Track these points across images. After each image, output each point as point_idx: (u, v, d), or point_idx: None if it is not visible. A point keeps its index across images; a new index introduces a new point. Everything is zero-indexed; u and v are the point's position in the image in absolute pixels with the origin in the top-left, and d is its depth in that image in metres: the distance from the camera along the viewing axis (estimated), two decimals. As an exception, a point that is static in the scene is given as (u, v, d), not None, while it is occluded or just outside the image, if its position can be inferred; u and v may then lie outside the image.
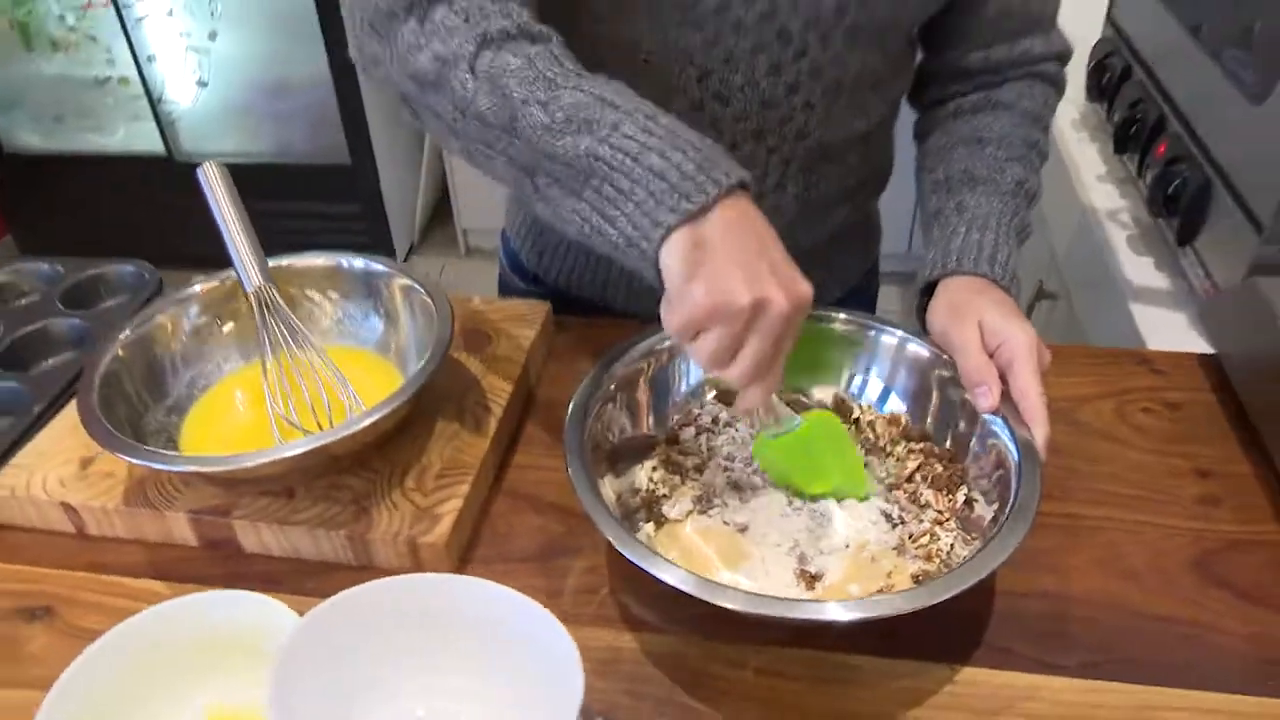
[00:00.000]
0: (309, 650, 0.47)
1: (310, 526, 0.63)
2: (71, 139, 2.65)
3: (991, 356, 0.64)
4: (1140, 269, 1.00)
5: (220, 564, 0.65)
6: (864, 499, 0.63)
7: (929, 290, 0.71)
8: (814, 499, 0.63)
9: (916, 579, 0.58)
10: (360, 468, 0.67)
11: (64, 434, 0.72)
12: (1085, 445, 0.72)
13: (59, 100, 2.61)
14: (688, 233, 0.52)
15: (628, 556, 0.52)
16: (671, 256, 0.52)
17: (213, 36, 2.43)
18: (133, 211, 2.67)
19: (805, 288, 0.53)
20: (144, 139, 2.59)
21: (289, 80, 2.49)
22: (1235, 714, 0.54)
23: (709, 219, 0.52)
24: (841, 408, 0.70)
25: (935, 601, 0.50)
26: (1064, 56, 0.81)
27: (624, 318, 0.85)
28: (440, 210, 2.87)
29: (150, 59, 2.45)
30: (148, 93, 2.49)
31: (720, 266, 0.51)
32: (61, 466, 0.69)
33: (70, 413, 0.74)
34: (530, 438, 0.74)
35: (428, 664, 0.50)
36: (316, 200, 2.61)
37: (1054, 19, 0.79)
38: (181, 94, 2.52)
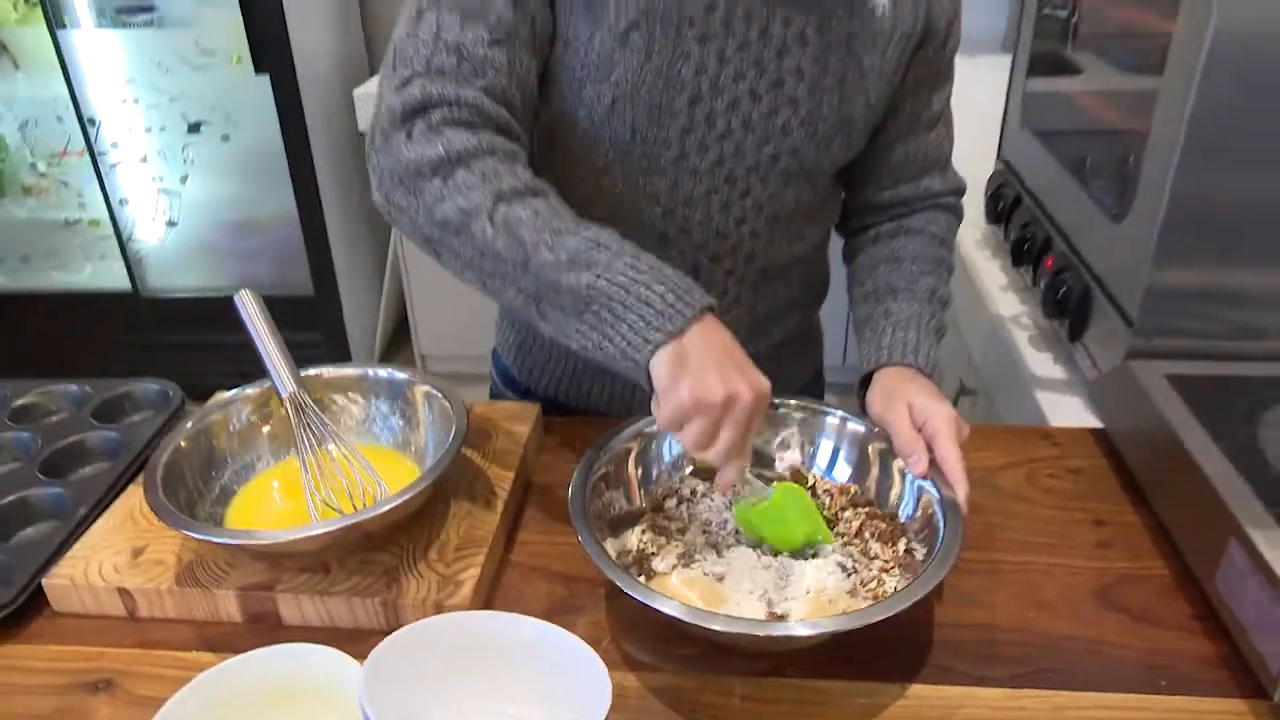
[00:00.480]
0: (384, 682, 0.56)
1: (347, 596, 0.72)
2: (37, 278, 2.73)
3: (920, 431, 0.77)
4: (1041, 363, 1.16)
5: (262, 636, 0.73)
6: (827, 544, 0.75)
7: (865, 381, 0.86)
8: (779, 554, 0.75)
9: (869, 614, 0.70)
10: (388, 544, 0.76)
11: (111, 530, 0.80)
12: (1003, 505, 0.86)
13: (27, 242, 2.71)
14: (672, 347, 0.66)
15: (633, 595, 0.63)
16: (660, 366, 0.66)
17: (184, 180, 2.57)
18: (98, 346, 2.73)
19: (765, 383, 0.68)
20: (110, 276, 2.68)
21: (256, 219, 2.63)
22: (1130, 708, 0.66)
23: (686, 336, 0.67)
24: (797, 476, 0.82)
25: (872, 621, 0.61)
26: (959, 191, 0.98)
27: (606, 417, 0.98)
28: (399, 336, 2.99)
29: (122, 202, 2.57)
30: (118, 233, 2.59)
31: (698, 371, 0.65)
32: (114, 557, 0.77)
33: (115, 511, 0.82)
34: (530, 518, 0.85)
35: (473, 692, 0.59)
36: (279, 331, 2.71)
37: (948, 161, 0.97)
38: (150, 233, 2.64)
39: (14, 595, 0.74)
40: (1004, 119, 1.46)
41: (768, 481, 0.75)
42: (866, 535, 0.77)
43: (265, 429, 0.85)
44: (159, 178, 2.55)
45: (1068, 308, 1.12)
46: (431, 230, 0.74)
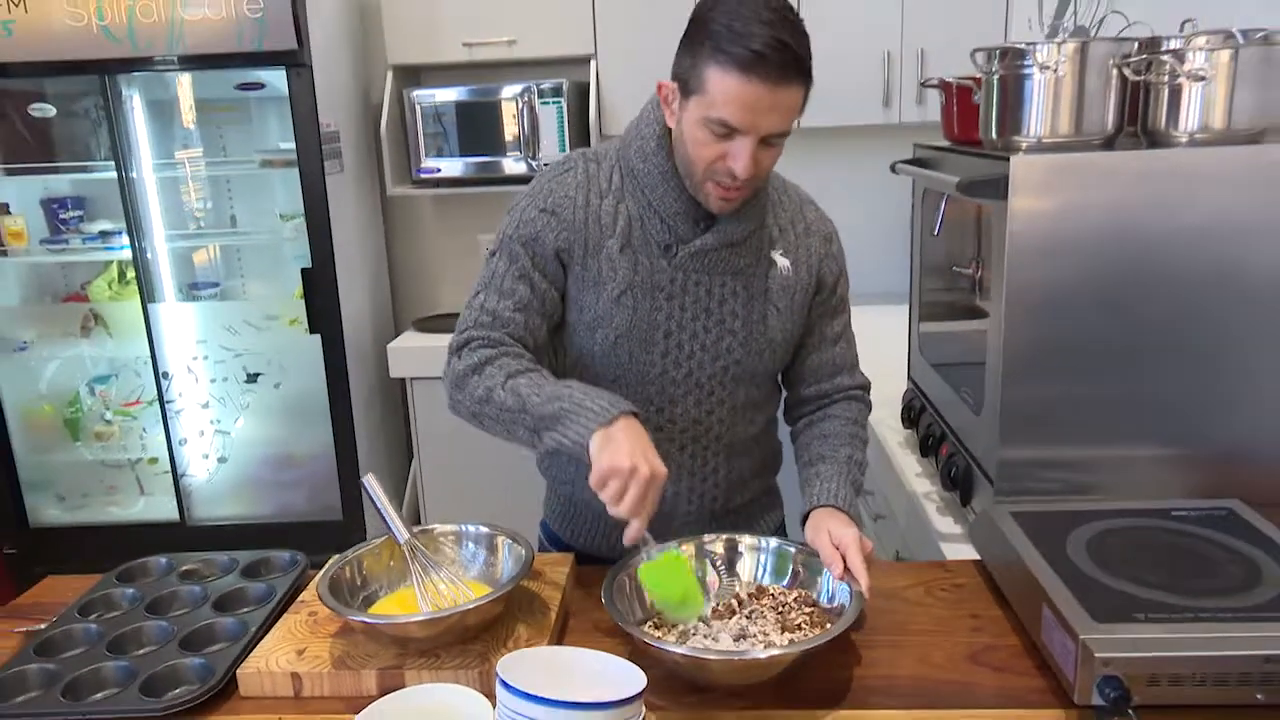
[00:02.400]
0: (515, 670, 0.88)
1: (454, 670, 1.05)
2: (95, 512, 3.06)
3: (836, 548, 1.14)
4: (944, 523, 1.54)
5: (392, 704, 1.05)
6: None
7: (804, 519, 1.23)
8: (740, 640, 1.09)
9: (811, 665, 1.03)
10: (477, 639, 1.10)
11: (278, 640, 1.13)
12: (909, 608, 1.21)
13: (90, 481, 3.06)
14: (602, 433, 1.05)
15: (651, 643, 0.97)
16: (594, 444, 1.05)
17: (236, 421, 2.98)
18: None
19: (662, 467, 1.05)
20: (160, 508, 3.02)
21: (294, 454, 3.02)
22: (991, 719, 0.99)
23: (613, 426, 1.06)
24: (761, 592, 1.17)
25: (808, 648, 0.97)
26: (866, 386, 1.41)
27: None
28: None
29: (182, 442, 2.97)
30: (174, 470, 2.96)
31: (616, 448, 1.04)
32: (285, 655, 1.10)
33: (277, 630, 1.16)
34: (573, 626, 1.19)
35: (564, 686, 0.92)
36: (307, 553, 3.01)
37: (855, 365, 1.40)
38: (202, 469, 3.01)
39: (219, 679, 1.06)
40: (909, 351, 1.93)
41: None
42: (806, 622, 1.11)
43: (386, 566, 1.20)
44: (216, 420, 2.97)
45: (958, 482, 1.52)
46: (475, 407, 1.17)
